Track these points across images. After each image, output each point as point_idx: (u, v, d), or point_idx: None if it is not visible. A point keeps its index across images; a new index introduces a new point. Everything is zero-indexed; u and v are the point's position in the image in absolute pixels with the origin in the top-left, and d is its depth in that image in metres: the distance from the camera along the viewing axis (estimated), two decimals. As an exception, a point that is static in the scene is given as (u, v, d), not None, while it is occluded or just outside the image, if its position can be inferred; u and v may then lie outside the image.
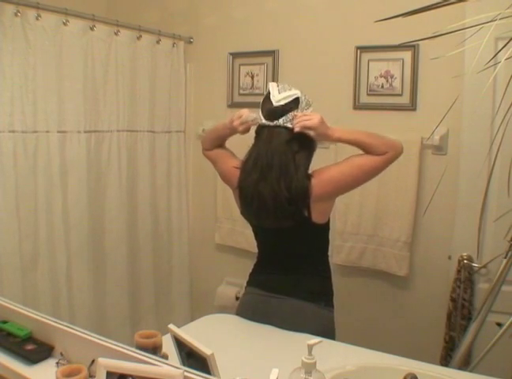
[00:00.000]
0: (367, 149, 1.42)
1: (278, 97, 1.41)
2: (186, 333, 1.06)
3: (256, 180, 1.42)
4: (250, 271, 1.64)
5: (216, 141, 1.63)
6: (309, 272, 1.53)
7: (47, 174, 1.98)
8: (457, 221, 1.82)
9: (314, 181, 1.41)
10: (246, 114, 1.46)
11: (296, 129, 1.39)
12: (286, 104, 1.41)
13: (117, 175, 2.28)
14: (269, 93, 1.44)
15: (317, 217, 1.44)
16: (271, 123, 1.42)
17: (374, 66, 2.07)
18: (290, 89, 1.43)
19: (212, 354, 0.97)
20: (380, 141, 1.43)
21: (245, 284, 1.65)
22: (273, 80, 2.31)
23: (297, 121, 1.39)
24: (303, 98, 1.43)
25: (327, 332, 1.43)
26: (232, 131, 1.53)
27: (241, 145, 1.52)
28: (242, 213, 1.53)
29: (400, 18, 1.10)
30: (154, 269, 2.49)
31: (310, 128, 1.39)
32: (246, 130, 1.50)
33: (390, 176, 2.02)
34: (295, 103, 1.42)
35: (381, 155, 1.40)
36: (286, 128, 1.41)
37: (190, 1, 2.57)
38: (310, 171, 1.46)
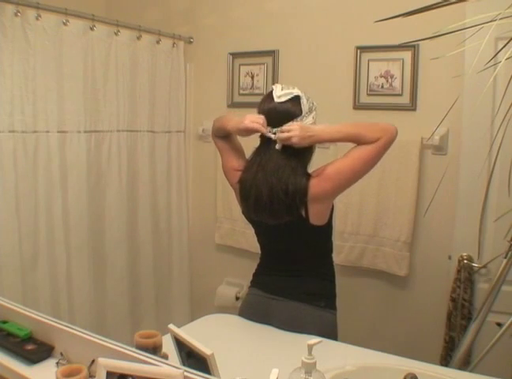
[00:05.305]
0: (359, 141, 1.40)
1: (280, 93, 1.43)
2: (186, 333, 1.06)
3: (255, 173, 1.44)
4: (254, 271, 1.64)
5: (220, 132, 1.59)
6: (309, 274, 1.52)
7: (47, 174, 1.98)
8: (457, 221, 1.82)
9: (312, 181, 1.41)
10: (264, 130, 1.44)
11: (278, 146, 1.41)
12: (285, 103, 1.42)
13: (117, 175, 2.28)
14: (270, 92, 1.46)
15: (314, 219, 1.43)
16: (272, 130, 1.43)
17: (374, 66, 2.07)
18: (293, 88, 1.45)
19: (212, 354, 0.97)
20: (369, 129, 1.41)
21: (247, 284, 1.66)
22: (273, 80, 2.32)
23: (278, 137, 1.40)
24: (306, 101, 1.44)
25: (327, 333, 1.42)
26: (234, 129, 1.50)
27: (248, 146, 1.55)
28: (243, 211, 1.54)
29: (400, 18, 1.10)
30: (154, 269, 2.49)
31: (291, 143, 1.39)
32: (247, 135, 1.50)
33: (390, 176, 2.02)
34: (294, 105, 1.43)
35: (374, 142, 1.38)
36: None
37: (190, 1, 2.57)
38: (310, 172, 1.46)
